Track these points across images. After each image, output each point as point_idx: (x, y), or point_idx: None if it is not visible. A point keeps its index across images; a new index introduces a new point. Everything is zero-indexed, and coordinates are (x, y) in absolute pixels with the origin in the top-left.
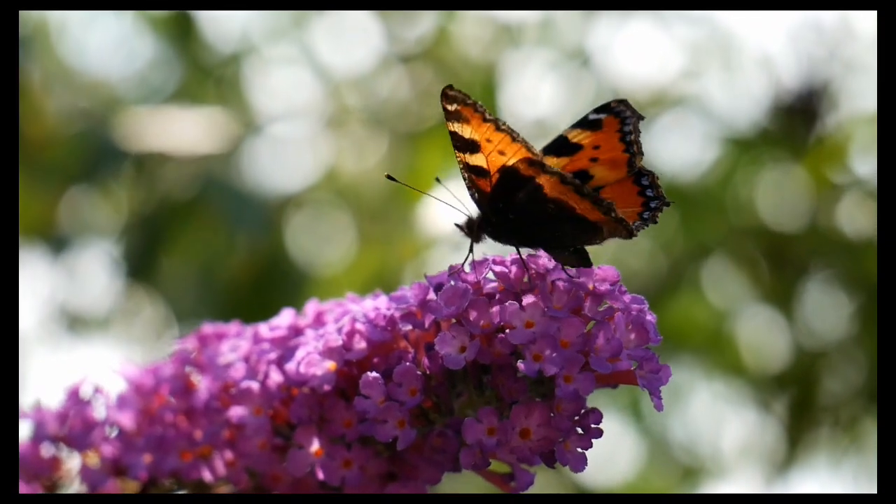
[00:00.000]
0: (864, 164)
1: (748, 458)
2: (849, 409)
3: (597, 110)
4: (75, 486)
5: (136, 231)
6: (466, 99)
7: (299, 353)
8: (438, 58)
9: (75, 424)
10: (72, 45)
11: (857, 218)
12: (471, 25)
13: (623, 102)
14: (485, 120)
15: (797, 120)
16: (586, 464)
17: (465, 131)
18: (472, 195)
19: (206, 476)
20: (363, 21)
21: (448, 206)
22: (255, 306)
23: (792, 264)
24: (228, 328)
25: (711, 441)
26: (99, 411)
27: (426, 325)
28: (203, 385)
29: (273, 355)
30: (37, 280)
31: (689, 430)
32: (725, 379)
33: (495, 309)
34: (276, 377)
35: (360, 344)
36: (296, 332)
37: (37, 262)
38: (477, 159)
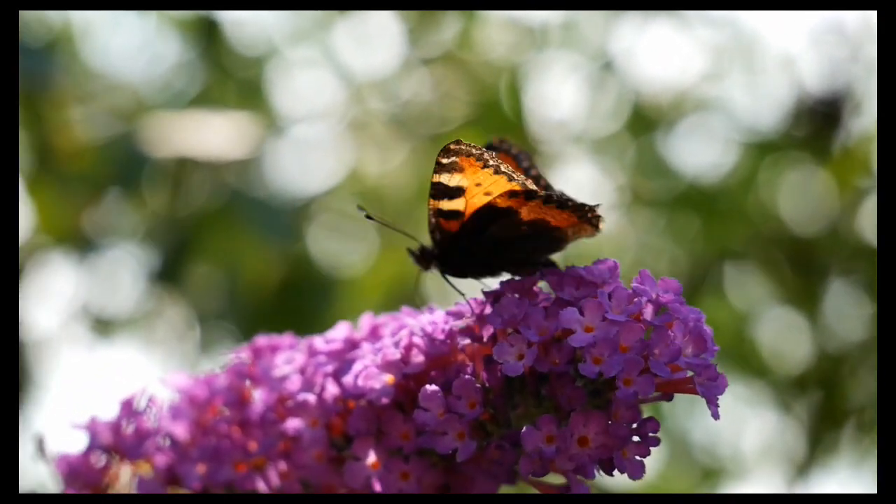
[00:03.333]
0: None
1: (769, 460)
2: (871, 411)
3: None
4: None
5: (164, 236)
6: (471, 150)
7: (357, 367)
8: (461, 60)
9: (128, 434)
10: (96, 49)
11: None
12: (493, 28)
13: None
14: (485, 166)
15: (820, 123)
16: (644, 471)
17: (453, 180)
18: (433, 235)
19: (261, 487)
20: (386, 23)
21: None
22: (281, 310)
23: (814, 267)
24: (282, 340)
25: (732, 443)
26: (152, 422)
27: (484, 338)
28: (258, 397)
29: (329, 368)
30: (62, 282)
31: (709, 432)
32: (747, 381)
33: (552, 317)
34: (332, 390)
35: (418, 357)
36: (351, 345)
37: (63, 264)
38: (454, 204)
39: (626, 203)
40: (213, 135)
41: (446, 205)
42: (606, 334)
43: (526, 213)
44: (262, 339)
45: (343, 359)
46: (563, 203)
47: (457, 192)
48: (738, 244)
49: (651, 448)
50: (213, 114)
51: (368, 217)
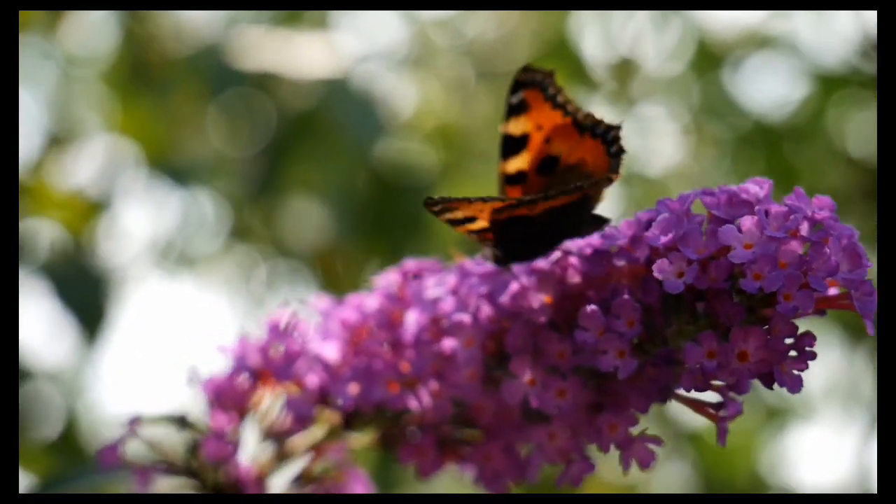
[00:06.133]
0: None
1: (835, 399)
2: None
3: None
4: (271, 418)
5: (258, 148)
6: (537, 77)
7: (513, 287)
8: None
9: (278, 356)
10: None
11: None
12: None
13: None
14: (546, 98)
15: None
16: (802, 385)
17: (518, 126)
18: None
19: (413, 405)
20: None
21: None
22: (376, 230)
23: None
24: (429, 264)
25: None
26: (300, 344)
27: (640, 259)
28: (410, 318)
29: (483, 289)
30: (145, 211)
31: None
32: (812, 320)
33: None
34: (486, 310)
35: (575, 278)
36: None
37: (150, 191)
38: (518, 163)
39: (691, 142)
40: (300, 52)
41: (512, 164)
42: (766, 250)
43: (569, 152)
44: (410, 263)
45: (496, 280)
46: (567, 192)
47: (521, 142)
48: (806, 182)
49: (809, 362)
50: (297, 33)
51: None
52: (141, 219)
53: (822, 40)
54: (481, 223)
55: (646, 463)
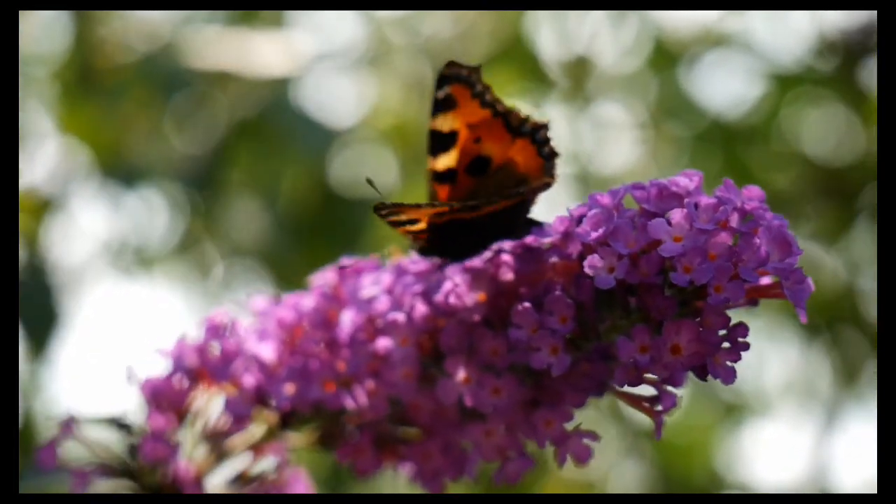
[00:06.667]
0: None
1: (792, 396)
2: None
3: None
4: (211, 418)
5: (201, 145)
6: (462, 72)
7: (447, 285)
8: None
9: (215, 356)
10: None
11: None
12: None
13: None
14: (474, 95)
15: (845, 57)
16: (736, 376)
17: (447, 123)
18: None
19: (350, 404)
20: None
21: None
22: (315, 236)
23: (839, 200)
24: (366, 262)
25: (755, 379)
26: (237, 344)
27: (573, 255)
28: (346, 317)
29: (418, 287)
30: (95, 213)
31: None
32: (770, 316)
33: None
34: (421, 308)
35: (508, 275)
36: (438, 264)
37: (97, 194)
38: (448, 160)
39: (648, 140)
40: (255, 52)
41: (441, 162)
42: (695, 243)
43: (500, 153)
44: (346, 261)
45: (431, 279)
46: (510, 196)
47: (450, 139)
48: (762, 180)
49: (742, 353)
50: (252, 32)
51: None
52: (94, 220)
53: (778, 39)
54: (421, 225)
55: (582, 458)
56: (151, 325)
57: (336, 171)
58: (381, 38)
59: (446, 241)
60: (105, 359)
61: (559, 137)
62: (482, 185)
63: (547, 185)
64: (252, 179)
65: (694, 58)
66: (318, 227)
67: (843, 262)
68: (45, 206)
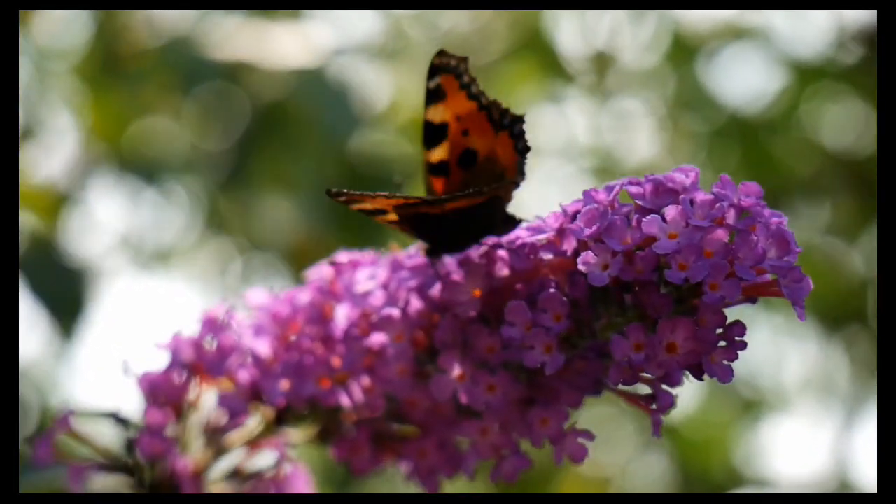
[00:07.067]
0: None
1: (810, 391)
2: None
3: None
4: (206, 413)
5: (231, 141)
6: (451, 62)
7: (441, 280)
8: None
9: (211, 351)
10: None
11: None
12: None
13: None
14: (461, 87)
15: (865, 49)
16: (733, 375)
17: (437, 114)
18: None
19: (344, 401)
20: None
21: None
22: (350, 225)
23: (859, 194)
24: (363, 256)
25: (773, 375)
26: (234, 339)
27: (568, 252)
28: (340, 313)
29: (413, 283)
30: (116, 206)
31: (750, 364)
32: (788, 312)
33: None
34: (416, 304)
35: (503, 271)
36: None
37: (121, 187)
38: (440, 152)
39: (667, 135)
40: (275, 43)
41: (435, 154)
42: (691, 240)
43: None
44: (342, 255)
45: (427, 273)
46: (478, 193)
47: (441, 132)
48: (781, 174)
49: (738, 352)
50: (272, 24)
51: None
52: (115, 213)
53: (798, 32)
54: (392, 216)
55: (578, 457)
56: (170, 321)
57: (362, 156)
58: (399, 33)
59: (430, 233)
60: (122, 355)
61: (534, 131)
62: (472, 178)
63: (516, 185)
64: (279, 169)
65: (713, 52)
66: (349, 213)
67: (863, 256)
68: (64, 200)
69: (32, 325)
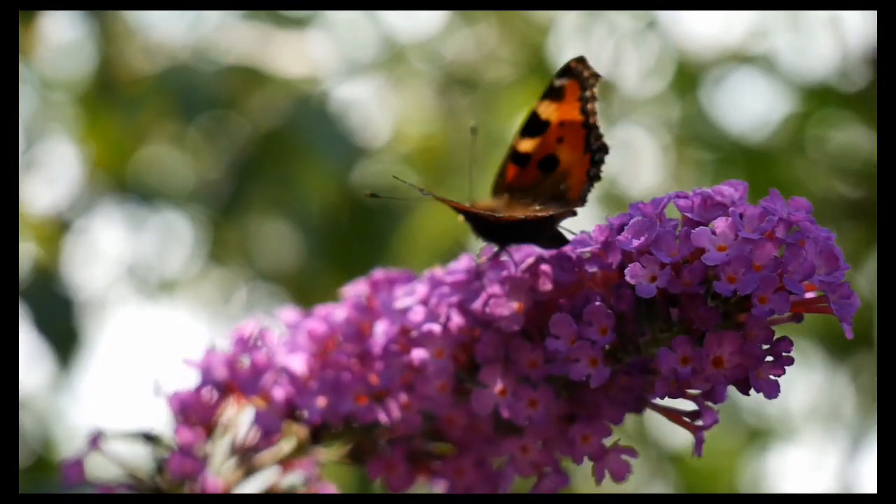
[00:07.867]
0: None
1: (816, 420)
2: None
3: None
4: (240, 432)
5: (229, 168)
6: (585, 71)
7: (484, 295)
8: (503, 18)
9: (244, 369)
10: None
11: None
12: None
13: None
14: (579, 98)
15: (869, 76)
16: (779, 390)
17: (548, 110)
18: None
19: (382, 418)
20: None
21: None
22: (345, 255)
23: (864, 221)
24: (398, 274)
25: (779, 403)
26: (267, 357)
27: (613, 265)
28: (379, 329)
29: (454, 298)
30: (118, 235)
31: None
32: (792, 339)
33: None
34: (457, 320)
35: (547, 285)
36: (475, 276)
37: (122, 215)
38: (530, 145)
39: (671, 162)
40: (278, 55)
41: (524, 144)
42: (740, 252)
43: (568, 161)
44: (379, 273)
45: (467, 289)
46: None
47: (541, 127)
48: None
49: (786, 367)
50: (273, 42)
51: (421, 190)
52: (116, 242)
53: (802, 58)
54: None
55: (620, 475)
56: (174, 351)
57: (362, 186)
58: (402, 61)
59: (482, 231)
60: (128, 384)
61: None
62: (541, 182)
63: (573, 213)
64: (276, 196)
65: (717, 78)
66: (349, 241)
67: (868, 282)
68: (66, 230)
69: (33, 355)
